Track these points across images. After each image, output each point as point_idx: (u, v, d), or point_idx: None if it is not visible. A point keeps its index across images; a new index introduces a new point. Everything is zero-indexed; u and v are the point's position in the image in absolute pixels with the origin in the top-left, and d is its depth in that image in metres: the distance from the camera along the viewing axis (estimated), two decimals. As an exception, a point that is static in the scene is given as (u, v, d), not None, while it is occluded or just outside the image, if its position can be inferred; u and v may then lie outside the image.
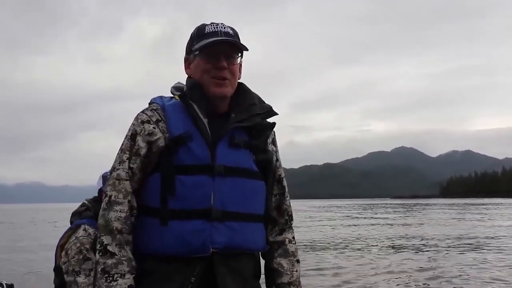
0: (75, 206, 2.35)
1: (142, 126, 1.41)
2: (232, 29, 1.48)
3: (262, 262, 1.55)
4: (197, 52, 1.44)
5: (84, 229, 2.16)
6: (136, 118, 1.44)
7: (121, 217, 1.34)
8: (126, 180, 1.38)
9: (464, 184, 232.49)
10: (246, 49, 1.46)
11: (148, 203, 1.38)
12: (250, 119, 1.45)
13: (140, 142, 1.39)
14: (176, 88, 1.53)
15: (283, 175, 1.57)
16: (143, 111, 1.45)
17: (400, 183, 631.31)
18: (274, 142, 1.55)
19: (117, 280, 1.28)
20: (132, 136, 1.41)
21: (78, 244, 2.09)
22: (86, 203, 2.31)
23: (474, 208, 40.98)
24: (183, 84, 1.53)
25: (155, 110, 1.44)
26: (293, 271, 1.53)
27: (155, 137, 1.39)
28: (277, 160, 1.54)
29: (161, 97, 1.50)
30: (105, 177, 2.26)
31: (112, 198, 1.36)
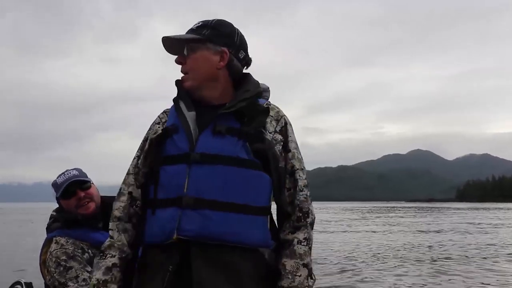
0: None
1: (152, 127, 1.52)
2: (197, 24, 1.50)
3: None
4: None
5: (56, 242, 2.17)
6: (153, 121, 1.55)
7: (121, 206, 1.47)
8: (131, 174, 1.50)
9: (481, 188, 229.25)
10: (187, 38, 1.46)
11: (147, 196, 1.45)
12: (236, 105, 1.41)
13: (148, 141, 1.49)
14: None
15: (297, 167, 1.47)
16: (159, 115, 1.55)
17: (416, 186, 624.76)
18: (282, 131, 1.47)
19: (106, 259, 1.41)
20: (145, 138, 1.53)
21: (54, 259, 2.11)
22: (54, 214, 2.33)
23: (490, 214, 41.15)
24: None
25: (166, 112, 1.54)
26: (296, 275, 1.38)
27: (155, 135, 1.47)
28: (288, 150, 1.46)
29: None
30: (54, 185, 2.26)
31: (120, 190, 1.51)
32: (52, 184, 2.29)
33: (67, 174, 2.24)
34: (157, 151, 1.44)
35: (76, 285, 2.04)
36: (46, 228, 2.30)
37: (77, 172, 2.26)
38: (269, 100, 1.54)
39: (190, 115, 1.43)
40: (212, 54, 1.45)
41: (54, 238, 2.20)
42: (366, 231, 19.96)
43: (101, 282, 1.40)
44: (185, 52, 1.47)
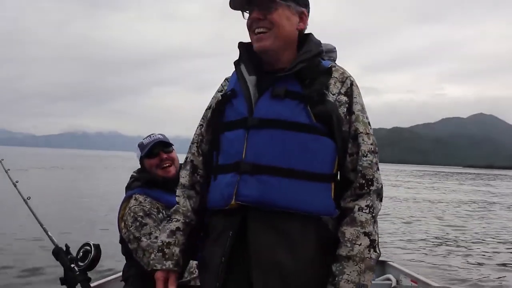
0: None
1: (215, 96, 1.54)
2: None
3: None
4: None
5: (135, 199, 2.30)
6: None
7: (186, 174, 1.54)
8: (194, 143, 1.55)
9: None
10: None
11: (212, 162, 1.48)
12: (296, 66, 1.37)
13: (210, 109, 1.53)
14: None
15: (361, 130, 1.37)
16: (221, 83, 1.56)
17: (476, 153, 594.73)
18: (348, 93, 1.39)
19: (171, 223, 1.49)
20: (208, 107, 1.55)
21: (132, 214, 2.23)
22: (135, 174, 2.46)
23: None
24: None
25: (227, 79, 1.53)
26: (355, 243, 1.29)
27: (216, 102, 1.50)
28: (352, 112, 1.38)
29: None
30: (140, 146, 2.41)
31: (186, 159, 1.57)
32: (138, 145, 2.44)
33: (153, 136, 2.40)
34: (218, 117, 1.45)
35: (148, 241, 2.14)
36: (126, 187, 2.44)
37: (162, 136, 2.41)
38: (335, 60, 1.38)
39: (250, 79, 1.40)
40: (293, 14, 1.39)
41: (133, 195, 2.32)
42: (408, 199, 19.65)
43: (165, 244, 1.47)
44: (278, 7, 1.37)
